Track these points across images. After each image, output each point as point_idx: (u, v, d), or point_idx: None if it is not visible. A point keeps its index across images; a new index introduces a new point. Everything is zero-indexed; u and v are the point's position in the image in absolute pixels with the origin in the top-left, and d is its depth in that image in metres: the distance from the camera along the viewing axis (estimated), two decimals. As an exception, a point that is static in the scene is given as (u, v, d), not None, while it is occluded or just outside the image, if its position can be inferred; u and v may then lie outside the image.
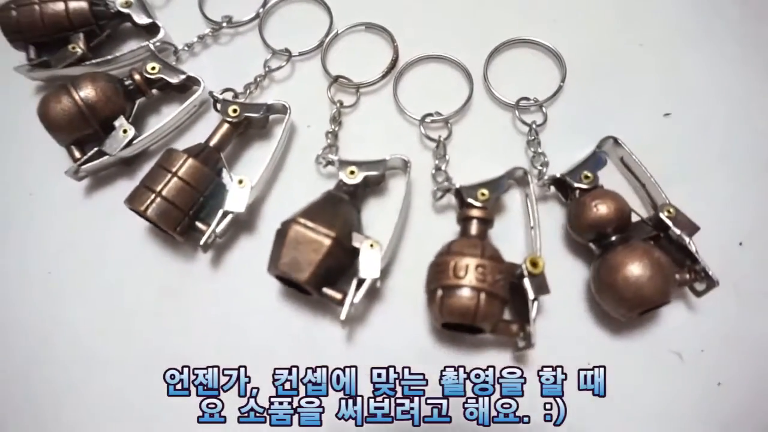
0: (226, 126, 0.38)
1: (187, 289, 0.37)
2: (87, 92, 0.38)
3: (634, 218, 0.35)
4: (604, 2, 0.43)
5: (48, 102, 0.38)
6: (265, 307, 0.37)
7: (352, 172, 0.36)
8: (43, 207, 0.40)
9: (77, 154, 0.39)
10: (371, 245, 0.34)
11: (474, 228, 0.34)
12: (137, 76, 0.40)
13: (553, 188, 0.36)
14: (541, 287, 0.32)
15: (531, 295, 0.32)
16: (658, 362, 0.34)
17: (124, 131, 0.39)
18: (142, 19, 0.42)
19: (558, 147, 0.38)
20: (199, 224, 0.36)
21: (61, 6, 0.41)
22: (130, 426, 0.35)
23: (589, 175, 0.35)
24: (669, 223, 0.33)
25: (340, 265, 0.34)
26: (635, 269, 0.31)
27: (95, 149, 0.38)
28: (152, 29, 0.42)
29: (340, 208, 0.35)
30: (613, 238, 0.33)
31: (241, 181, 0.36)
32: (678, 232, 0.33)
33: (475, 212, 0.34)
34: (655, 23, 0.42)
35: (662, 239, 0.34)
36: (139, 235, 0.39)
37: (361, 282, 0.33)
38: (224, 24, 0.43)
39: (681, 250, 0.33)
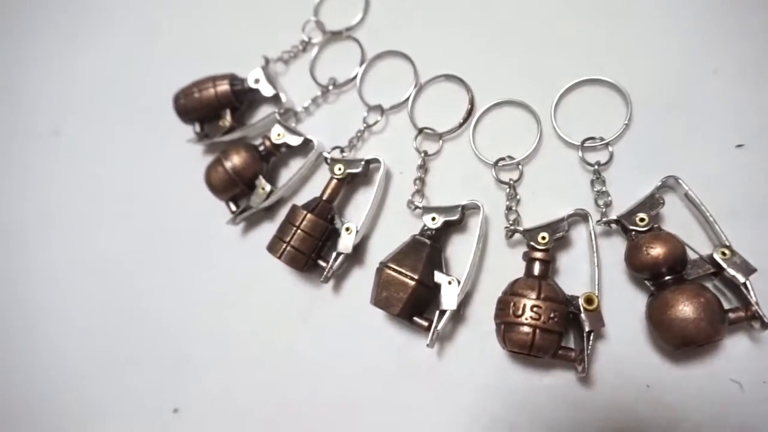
0: (334, 181, 0.48)
1: (316, 309, 0.49)
2: (233, 162, 0.50)
3: (695, 255, 0.37)
4: (676, 29, 0.42)
5: (209, 172, 0.51)
6: (373, 325, 0.46)
7: (433, 218, 0.43)
8: (213, 244, 0.54)
9: (233, 208, 0.52)
10: (449, 282, 0.41)
11: (536, 268, 0.39)
12: (267, 142, 0.51)
13: (615, 225, 0.40)
14: (597, 321, 0.37)
15: (586, 328, 0.37)
16: (718, 390, 0.37)
17: (263, 189, 0.50)
18: (268, 92, 0.53)
19: (625, 183, 0.41)
20: (320, 262, 0.47)
21: (212, 91, 0.53)
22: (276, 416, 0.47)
23: (644, 217, 0.37)
24: (723, 264, 0.35)
25: (425, 299, 0.42)
26: (681, 310, 0.34)
27: (245, 205, 0.51)
28: (277, 98, 0.53)
29: (423, 252, 0.42)
30: (667, 278, 0.36)
31: (347, 228, 0.46)
32: (732, 272, 0.35)
33: (536, 254, 0.39)
34: (731, 47, 0.41)
35: (723, 277, 0.36)
36: (281, 265, 0.51)
37: (442, 313, 0.41)
38: (330, 87, 0.52)
39: (740, 292, 0.35)
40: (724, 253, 0.35)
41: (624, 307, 0.39)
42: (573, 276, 0.41)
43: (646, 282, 0.38)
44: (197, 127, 0.55)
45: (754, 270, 0.34)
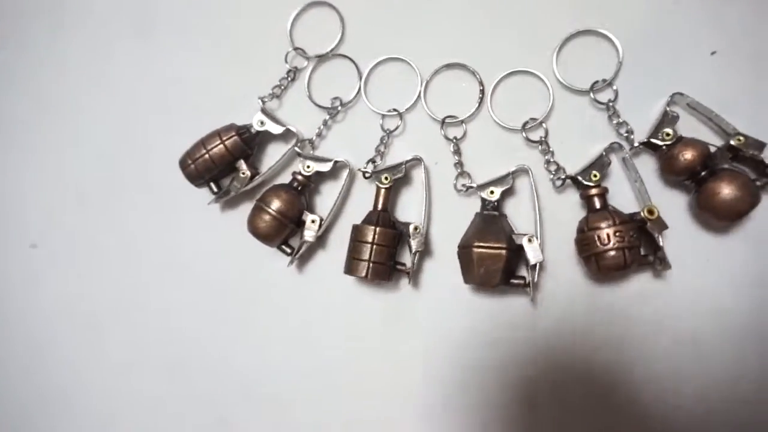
0: (383, 190, 0.50)
1: (399, 305, 0.52)
2: (276, 206, 0.50)
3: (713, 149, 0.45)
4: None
5: (254, 222, 0.50)
6: (459, 309, 0.51)
7: (491, 192, 0.48)
8: (275, 282, 0.54)
9: (288, 250, 0.52)
10: (529, 240, 0.46)
11: (597, 202, 0.46)
12: (299, 177, 0.52)
13: (644, 147, 0.47)
14: (661, 226, 0.44)
15: (656, 234, 0.44)
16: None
17: (312, 221, 0.51)
18: (277, 130, 0.53)
19: (638, 108, 0.48)
20: (398, 266, 0.50)
21: (221, 147, 0.52)
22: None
23: (670, 132, 0.45)
24: (741, 147, 0.44)
25: (514, 262, 0.47)
26: (728, 193, 0.42)
27: (300, 242, 0.52)
28: (287, 134, 0.54)
29: (495, 223, 0.47)
30: (703, 174, 0.44)
31: (416, 228, 0.49)
32: (750, 152, 0.43)
33: (593, 191, 0.46)
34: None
35: (739, 157, 0.45)
36: (349, 282, 0.53)
37: (534, 266, 0.46)
38: (339, 107, 0.54)
39: (757, 164, 0.44)
40: (739, 140, 0.44)
41: (664, 207, 0.47)
42: (620, 197, 0.48)
43: (684, 183, 0.46)
44: (213, 187, 0.54)
45: (765, 144, 0.43)
